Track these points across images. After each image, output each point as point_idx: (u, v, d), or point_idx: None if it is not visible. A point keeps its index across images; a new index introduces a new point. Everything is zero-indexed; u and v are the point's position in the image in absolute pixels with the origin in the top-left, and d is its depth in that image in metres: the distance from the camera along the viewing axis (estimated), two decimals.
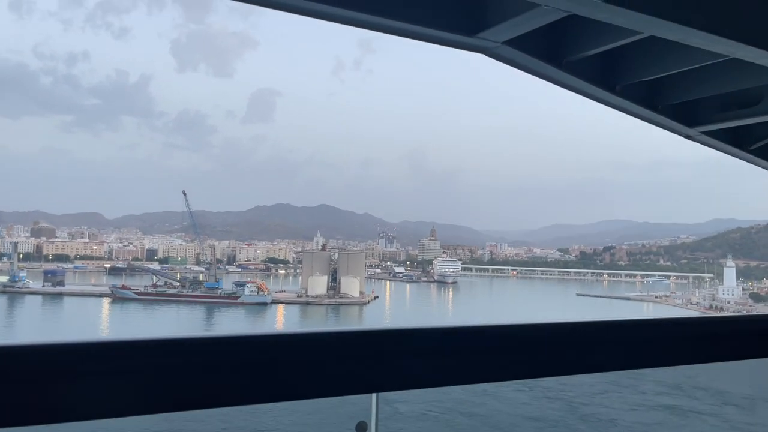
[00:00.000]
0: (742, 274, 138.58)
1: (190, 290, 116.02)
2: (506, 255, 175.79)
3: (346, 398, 2.80)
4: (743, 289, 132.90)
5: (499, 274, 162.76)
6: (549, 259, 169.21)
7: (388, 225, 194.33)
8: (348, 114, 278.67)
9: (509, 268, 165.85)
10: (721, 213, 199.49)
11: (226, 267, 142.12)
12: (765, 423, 5.79)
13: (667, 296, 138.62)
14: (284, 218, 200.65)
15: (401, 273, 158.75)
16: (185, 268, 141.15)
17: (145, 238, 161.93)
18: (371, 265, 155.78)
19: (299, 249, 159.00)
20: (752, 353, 3.97)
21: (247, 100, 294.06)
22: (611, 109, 11.68)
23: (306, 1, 6.86)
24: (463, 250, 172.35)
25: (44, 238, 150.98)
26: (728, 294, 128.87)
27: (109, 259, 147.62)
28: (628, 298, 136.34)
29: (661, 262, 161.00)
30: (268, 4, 7.16)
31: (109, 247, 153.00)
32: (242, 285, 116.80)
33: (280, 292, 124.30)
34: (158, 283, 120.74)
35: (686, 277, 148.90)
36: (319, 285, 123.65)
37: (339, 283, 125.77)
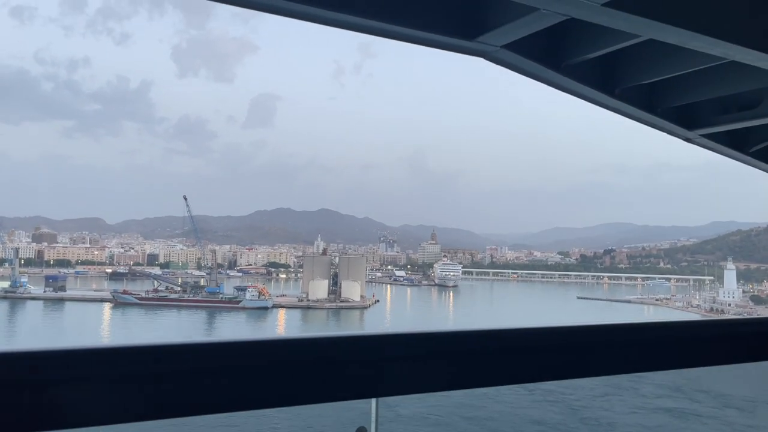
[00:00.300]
0: (743, 277, 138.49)
1: (192, 295, 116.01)
2: (507, 258, 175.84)
3: (346, 403, 2.80)
4: (744, 292, 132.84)
5: (499, 278, 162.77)
6: (549, 263, 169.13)
7: (389, 229, 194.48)
8: (348, 118, 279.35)
9: (510, 271, 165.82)
10: (721, 216, 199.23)
11: (227, 272, 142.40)
12: (766, 425, 5.78)
13: (667, 299, 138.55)
14: (285, 222, 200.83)
15: (402, 277, 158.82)
16: (186, 272, 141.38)
17: (146, 243, 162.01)
18: (372, 269, 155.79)
19: (300, 253, 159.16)
20: (753, 356, 3.98)
21: (248, 105, 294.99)
22: (611, 112, 11.70)
23: (305, 5, 6.86)
24: (464, 253, 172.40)
25: (45, 244, 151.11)
26: (729, 296, 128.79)
27: (111, 264, 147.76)
28: (628, 301, 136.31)
29: (662, 264, 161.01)
30: (266, 9, 7.17)
31: (111, 252, 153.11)
32: (243, 289, 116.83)
33: (281, 296, 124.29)
34: (159, 288, 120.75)
35: (687, 280, 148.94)
36: (320, 289, 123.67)
37: (340, 287, 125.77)
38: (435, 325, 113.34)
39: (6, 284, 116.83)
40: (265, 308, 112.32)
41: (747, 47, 7.17)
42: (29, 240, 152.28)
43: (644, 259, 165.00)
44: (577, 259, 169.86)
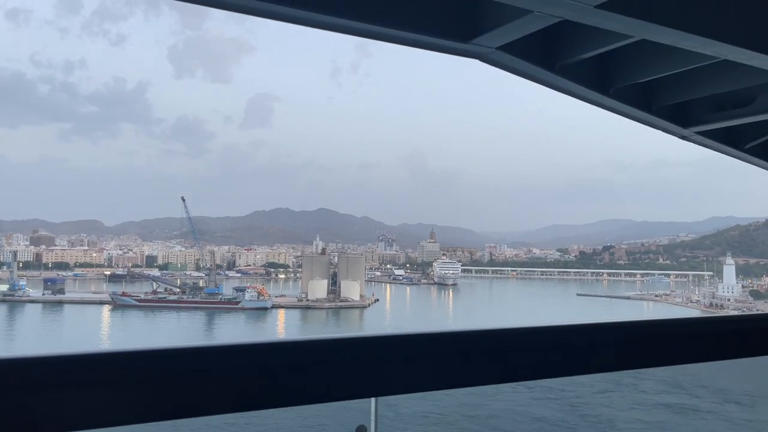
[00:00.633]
0: (742, 272, 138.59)
1: (191, 296, 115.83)
2: (506, 256, 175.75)
3: (346, 403, 2.84)
4: (743, 287, 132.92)
5: (498, 276, 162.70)
6: (548, 260, 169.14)
7: (388, 228, 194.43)
8: (346, 117, 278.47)
9: (509, 269, 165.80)
10: (719, 211, 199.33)
11: (226, 272, 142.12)
12: (765, 420, 5.84)
13: (667, 295, 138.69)
14: (283, 223, 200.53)
15: (401, 276, 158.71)
16: (185, 274, 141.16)
17: (144, 244, 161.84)
18: (371, 268, 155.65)
19: (299, 253, 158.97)
20: (752, 351, 4.04)
21: (245, 105, 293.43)
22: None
23: (300, 10, 6.90)
24: (463, 251, 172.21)
25: (44, 246, 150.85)
26: (728, 291, 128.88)
27: (109, 266, 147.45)
28: (628, 297, 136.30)
29: (661, 260, 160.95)
30: (262, 14, 7.20)
31: (109, 254, 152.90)
32: (242, 290, 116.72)
33: (280, 296, 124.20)
34: (158, 290, 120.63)
35: (686, 276, 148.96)
36: (319, 289, 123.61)
37: (339, 287, 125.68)
38: (435, 324, 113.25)
39: (4, 287, 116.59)
40: (265, 309, 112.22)
41: (739, 46, 7.24)
42: (27, 243, 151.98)
43: (643, 256, 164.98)
44: (576, 256, 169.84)
